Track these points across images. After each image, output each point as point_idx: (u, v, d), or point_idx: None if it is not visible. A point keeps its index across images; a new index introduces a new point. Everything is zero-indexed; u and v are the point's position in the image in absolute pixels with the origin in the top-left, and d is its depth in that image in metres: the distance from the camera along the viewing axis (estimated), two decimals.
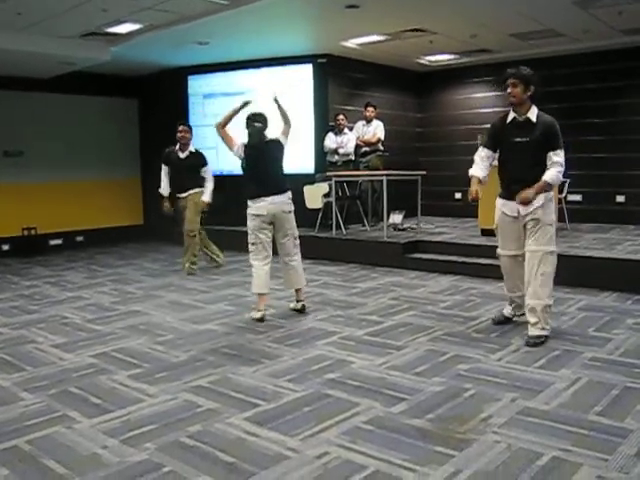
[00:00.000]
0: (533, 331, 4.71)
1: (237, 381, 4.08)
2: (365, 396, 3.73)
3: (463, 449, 3.01)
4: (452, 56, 10.78)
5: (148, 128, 12.21)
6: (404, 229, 9.49)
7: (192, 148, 8.15)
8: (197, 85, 11.44)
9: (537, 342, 4.66)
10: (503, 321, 5.22)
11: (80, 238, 11.40)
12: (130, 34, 8.61)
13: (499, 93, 10.98)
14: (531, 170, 4.64)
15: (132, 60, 10.31)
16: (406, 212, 9.73)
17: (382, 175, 8.72)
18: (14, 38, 8.16)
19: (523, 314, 4.98)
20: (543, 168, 4.63)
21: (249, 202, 5.72)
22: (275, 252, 5.82)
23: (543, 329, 4.71)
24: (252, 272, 5.74)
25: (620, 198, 10.16)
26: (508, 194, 4.81)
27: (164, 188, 8.14)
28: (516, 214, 4.76)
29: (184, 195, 8.06)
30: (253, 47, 9.63)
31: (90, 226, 11.30)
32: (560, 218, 8.91)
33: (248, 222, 5.73)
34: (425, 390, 3.82)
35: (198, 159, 8.10)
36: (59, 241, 11.20)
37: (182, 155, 8.08)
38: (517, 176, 4.72)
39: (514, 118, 4.74)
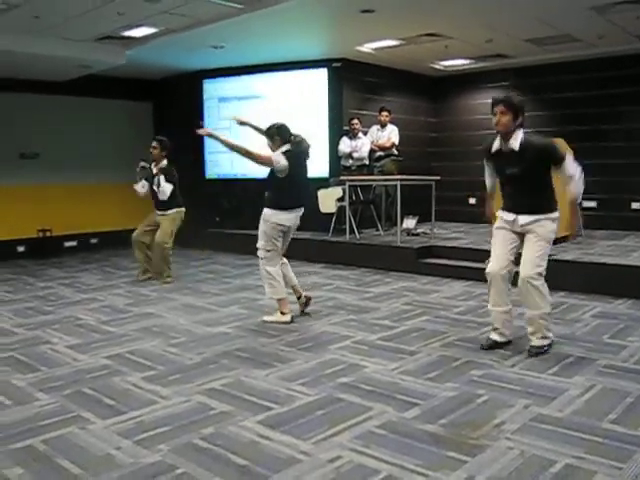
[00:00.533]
0: (534, 342, 4.64)
1: (250, 384, 4.09)
2: (378, 401, 3.73)
3: (476, 455, 3.00)
4: (467, 61, 10.77)
5: (163, 131, 12.23)
6: (417, 234, 9.47)
7: (163, 164, 7.81)
8: (212, 89, 11.49)
9: (539, 352, 4.58)
10: (494, 346, 4.79)
11: (94, 240, 11.47)
12: (146, 38, 8.66)
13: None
14: (530, 196, 4.53)
15: (147, 63, 10.37)
16: (420, 217, 9.72)
17: (396, 180, 8.72)
18: (31, 42, 8.23)
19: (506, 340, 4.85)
20: (542, 189, 4.54)
21: (277, 211, 5.60)
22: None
23: (544, 338, 4.63)
24: (268, 278, 5.67)
25: (635, 205, 10.10)
26: (509, 207, 4.68)
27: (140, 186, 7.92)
28: (513, 222, 4.63)
29: (160, 214, 7.83)
30: (268, 51, 9.67)
31: (104, 228, 11.36)
32: None
33: (267, 229, 5.62)
34: (438, 395, 3.82)
35: (165, 174, 7.73)
36: (74, 243, 11.26)
37: (154, 170, 7.82)
38: (517, 202, 4.60)
39: (499, 149, 4.59)
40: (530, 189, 4.53)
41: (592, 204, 10.19)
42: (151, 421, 3.48)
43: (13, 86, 10.18)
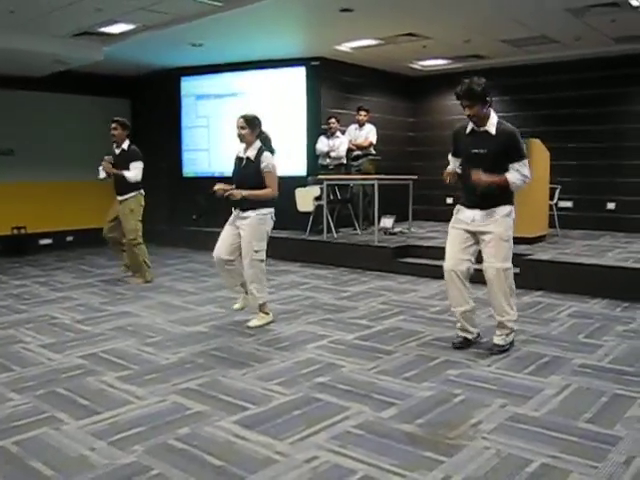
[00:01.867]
0: (499, 340, 4.69)
1: (226, 384, 4.06)
2: (355, 400, 3.73)
3: (453, 455, 3.01)
4: (445, 61, 10.82)
5: (140, 129, 12.14)
6: (395, 233, 9.49)
7: (125, 145, 7.52)
8: (190, 86, 11.44)
9: (502, 350, 4.65)
10: (465, 344, 4.83)
11: (70, 238, 11.36)
12: (123, 34, 8.60)
13: (492, 99, 11.00)
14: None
15: (125, 60, 10.28)
16: (397, 216, 9.74)
17: (373, 179, 8.73)
18: (6, 36, 8.12)
19: (476, 336, 4.92)
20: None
21: (271, 209, 5.48)
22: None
23: (508, 336, 4.71)
24: (260, 281, 5.45)
25: (611, 205, 10.21)
26: (466, 202, 4.71)
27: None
28: (469, 221, 4.63)
29: (120, 199, 7.51)
30: (247, 49, 9.63)
31: (80, 226, 11.24)
32: (551, 224, 8.97)
33: (267, 229, 5.47)
34: (415, 395, 3.82)
35: (127, 156, 7.46)
36: (49, 241, 11.15)
37: (117, 151, 7.54)
38: (474, 187, 4.55)
39: (473, 129, 4.62)
40: (490, 173, 4.47)
41: (568, 204, 10.28)
42: (126, 421, 3.45)
43: None
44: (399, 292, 6.99)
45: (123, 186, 7.45)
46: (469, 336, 4.84)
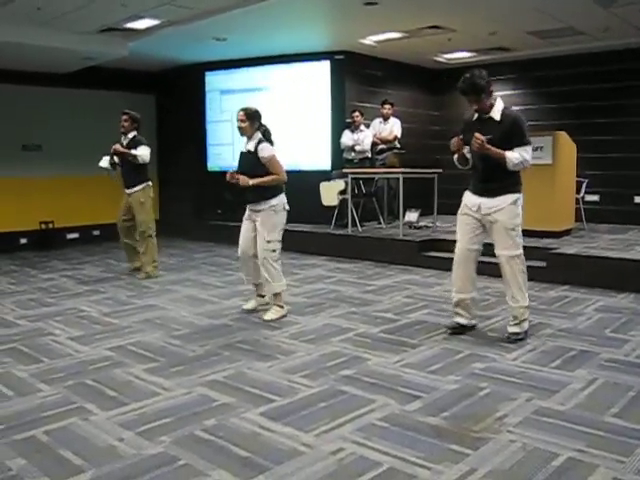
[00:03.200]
0: (514, 329, 4.76)
1: (252, 376, 4.09)
2: (380, 393, 3.73)
3: (478, 448, 3.00)
4: (470, 54, 10.73)
5: (165, 123, 12.27)
6: (420, 227, 9.47)
7: (131, 134, 7.57)
8: (215, 81, 11.49)
9: (517, 339, 4.72)
10: (459, 330, 4.97)
11: (97, 232, 11.45)
12: (148, 29, 8.65)
13: (517, 91, 10.94)
14: (495, 168, 4.56)
15: (150, 55, 10.36)
16: (422, 210, 9.71)
17: (398, 173, 8.70)
18: (33, 33, 8.22)
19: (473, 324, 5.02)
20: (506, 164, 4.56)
21: (282, 196, 5.54)
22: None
23: (522, 324, 4.76)
24: (276, 271, 5.51)
25: (638, 199, 10.07)
26: (473, 188, 4.80)
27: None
28: (475, 209, 4.72)
29: (129, 191, 7.58)
30: (271, 43, 9.64)
31: (107, 220, 11.29)
32: (577, 218, 8.89)
33: (281, 218, 5.52)
34: (440, 388, 3.82)
35: (134, 142, 7.50)
36: (76, 235, 11.27)
37: (124, 143, 7.56)
38: (482, 174, 4.67)
39: (479, 116, 4.70)
40: (496, 161, 4.53)
41: (595, 198, 10.17)
42: (153, 412, 3.49)
43: (15, 78, 10.17)
44: (424, 286, 6.98)
45: (131, 178, 7.53)
46: (467, 322, 4.97)
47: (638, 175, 9.99)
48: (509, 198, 4.60)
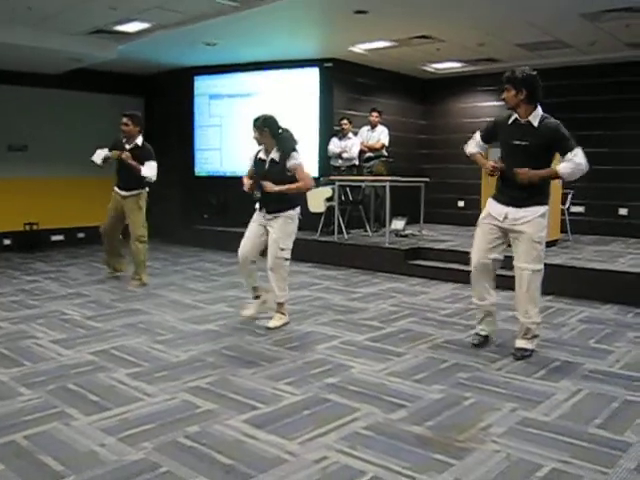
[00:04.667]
0: (523, 344, 4.65)
1: (236, 383, 4.07)
2: (365, 401, 3.72)
3: (462, 458, 3.00)
4: (459, 64, 10.79)
5: (153, 127, 12.20)
6: (406, 235, 9.47)
7: (139, 141, 7.25)
8: (204, 86, 11.47)
9: (524, 355, 4.60)
10: (484, 342, 4.90)
11: (81, 234, 11.38)
12: (138, 33, 8.63)
13: (504, 103, 10.98)
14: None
15: (139, 59, 10.33)
16: (408, 218, 9.73)
17: (385, 181, 8.72)
18: (22, 33, 8.18)
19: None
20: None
21: (298, 208, 5.54)
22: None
23: (532, 341, 4.66)
24: (285, 280, 5.48)
25: (623, 211, 10.16)
26: (500, 196, 4.66)
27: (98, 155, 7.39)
28: (501, 218, 4.59)
29: (124, 194, 7.28)
30: (260, 49, 9.64)
31: (92, 223, 11.23)
32: (562, 229, 8.93)
33: (294, 229, 5.48)
34: (425, 397, 3.81)
35: (143, 152, 7.18)
36: (60, 237, 11.19)
37: (127, 146, 7.21)
38: (512, 180, 4.51)
39: (516, 119, 4.57)
40: (530, 166, 4.43)
41: (580, 209, 10.24)
42: (136, 418, 3.46)
43: (2, 77, 10.12)
44: (410, 294, 6.98)
45: (132, 181, 7.20)
46: (487, 332, 4.88)
47: (623, 187, 10.08)
48: (538, 210, 4.49)
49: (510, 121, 4.61)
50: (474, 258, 4.77)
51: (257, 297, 5.79)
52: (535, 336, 4.68)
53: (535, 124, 4.49)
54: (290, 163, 5.38)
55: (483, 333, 4.90)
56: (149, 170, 7.13)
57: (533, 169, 4.44)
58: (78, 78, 10.64)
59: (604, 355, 4.70)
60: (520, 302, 4.62)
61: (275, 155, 5.43)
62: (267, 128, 5.42)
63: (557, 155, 4.57)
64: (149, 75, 11.95)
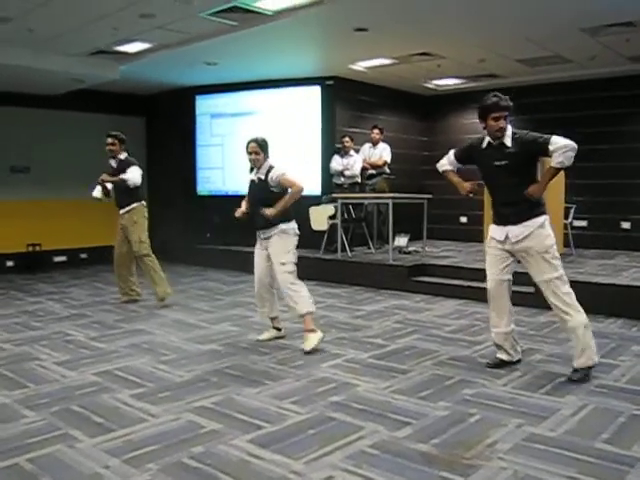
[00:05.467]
0: (580, 362, 4.43)
1: (241, 402, 4.05)
2: (370, 420, 3.70)
3: (469, 475, 2.97)
4: (459, 80, 10.84)
5: (155, 147, 12.27)
6: (409, 252, 9.47)
7: (122, 156, 7.37)
8: (205, 105, 11.51)
9: (586, 374, 4.42)
10: (500, 364, 4.76)
11: (84, 255, 11.41)
12: (139, 53, 8.69)
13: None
14: (517, 192, 4.45)
15: (140, 79, 10.39)
16: (411, 235, 9.72)
17: (388, 198, 8.72)
18: (24, 55, 8.25)
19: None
20: (528, 184, 4.46)
21: (293, 222, 5.53)
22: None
23: (591, 358, 4.43)
24: (296, 293, 5.41)
25: (626, 225, 10.15)
26: (497, 219, 4.66)
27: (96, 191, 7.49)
28: (503, 239, 4.58)
29: (121, 212, 7.37)
30: (261, 68, 9.70)
31: (94, 243, 11.30)
32: (565, 244, 8.92)
33: (293, 242, 5.48)
34: (430, 414, 3.79)
35: (124, 164, 7.29)
36: (63, 258, 11.22)
37: (114, 164, 7.37)
38: (504, 199, 4.55)
39: (489, 143, 4.59)
40: (517, 184, 4.44)
41: (583, 223, 10.24)
42: (140, 439, 3.44)
43: (4, 99, 10.18)
44: (414, 311, 6.96)
45: (124, 198, 7.30)
46: (507, 358, 4.77)
47: (625, 201, 10.08)
48: (536, 222, 4.47)
49: (484, 145, 4.65)
50: (489, 284, 4.73)
51: (276, 328, 5.79)
52: (592, 347, 4.44)
53: (509, 143, 4.50)
54: (275, 176, 5.40)
55: (501, 356, 4.79)
56: (129, 173, 7.21)
57: (518, 184, 4.45)
58: (80, 99, 10.70)
59: (609, 369, 4.67)
60: (562, 314, 4.46)
61: (261, 173, 5.49)
62: (266, 148, 5.51)
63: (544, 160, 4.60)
64: (150, 95, 12.02)
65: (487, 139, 4.62)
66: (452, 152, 4.96)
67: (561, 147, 4.34)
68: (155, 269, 7.40)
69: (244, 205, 5.72)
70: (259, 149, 5.45)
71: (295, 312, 5.51)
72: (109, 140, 7.35)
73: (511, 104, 4.51)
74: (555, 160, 4.36)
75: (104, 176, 7.29)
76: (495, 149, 4.56)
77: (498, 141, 4.53)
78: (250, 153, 5.47)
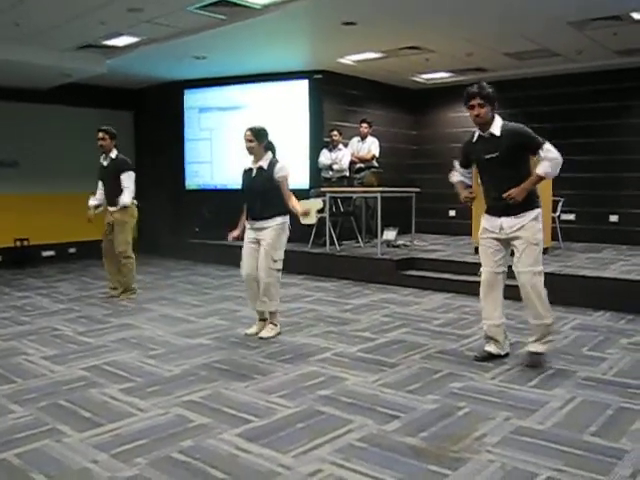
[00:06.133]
0: (536, 347, 4.62)
1: (229, 396, 4.05)
2: (358, 413, 3.70)
3: (457, 468, 2.98)
4: (447, 74, 10.85)
5: (143, 141, 12.22)
6: (398, 246, 9.48)
7: (113, 154, 7.31)
8: (193, 99, 11.47)
9: (539, 360, 4.60)
10: (487, 357, 4.78)
11: (73, 250, 11.36)
12: (127, 47, 8.65)
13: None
14: (508, 182, 4.47)
15: (128, 73, 10.34)
16: (400, 229, 9.73)
17: (376, 192, 8.72)
18: (11, 49, 8.19)
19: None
20: (521, 177, 4.49)
21: (287, 216, 5.55)
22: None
23: (546, 344, 4.64)
24: (275, 289, 5.50)
25: (613, 218, 10.20)
26: (491, 210, 4.69)
27: (92, 199, 7.52)
28: (497, 230, 4.61)
29: (111, 209, 7.34)
30: (250, 62, 9.67)
31: (83, 238, 11.22)
32: (553, 237, 8.95)
33: (285, 237, 5.53)
34: (419, 408, 3.80)
35: (117, 165, 7.28)
36: (52, 252, 11.16)
37: (105, 163, 7.37)
38: (497, 193, 4.55)
39: (480, 136, 4.63)
40: (510, 176, 4.47)
41: (571, 217, 10.28)
42: (128, 434, 3.43)
43: None
44: (402, 305, 6.97)
45: (114, 197, 7.26)
46: (496, 351, 4.78)
47: (613, 194, 10.13)
48: (530, 214, 4.51)
49: (475, 139, 4.69)
50: (483, 276, 4.76)
51: (263, 320, 5.76)
52: (550, 339, 4.66)
53: (497, 133, 4.53)
54: (280, 174, 5.45)
55: (489, 349, 4.80)
56: (125, 194, 7.21)
57: (511, 177, 4.47)
58: (68, 93, 10.64)
59: (598, 362, 4.70)
60: (530, 306, 4.59)
61: (264, 163, 5.50)
62: (263, 137, 5.52)
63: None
64: (139, 89, 11.97)
65: (477, 132, 4.66)
66: (456, 162, 4.99)
67: (552, 158, 4.43)
68: (133, 271, 7.49)
69: (238, 231, 5.72)
70: (252, 137, 5.47)
71: (265, 306, 5.58)
72: (100, 135, 7.28)
73: (484, 91, 4.50)
74: (542, 168, 4.43)
75: (89, 214, 7.43)
76: (485, 141, 4.58)
77: (487, 132, 4.55)
78: (245, 140, 5.49)
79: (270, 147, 5.59)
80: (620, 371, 4.48)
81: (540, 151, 4.43)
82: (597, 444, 3.23)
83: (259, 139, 5.49)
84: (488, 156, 4.54)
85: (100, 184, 7.53)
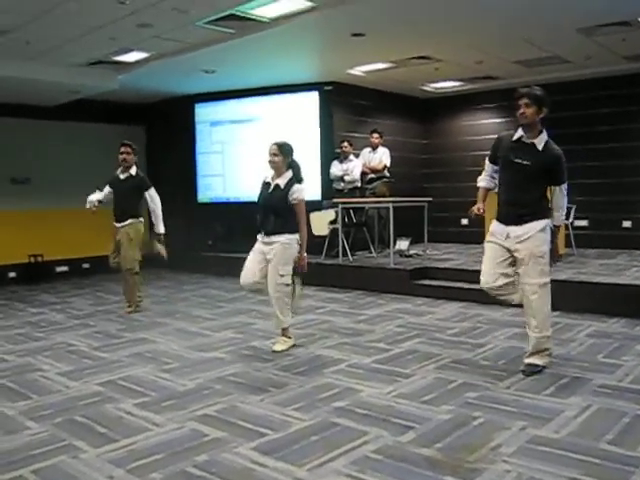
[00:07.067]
0: (534, 360, 4.63)
1: (244, 410, 4.04)
2: (373, 425, 3.69)
3: (473, 479, 2.97)
4: (457, 83, 10.86)
5: (155, 156, 12.28)
6: (410, 256, 9.46)
7: (133, 171, 7.34)
8: (204, 113, 11.53)
9: (534, 371, 4.58)
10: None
11: (86, 265, 11.41)
12: (137, 62, 8.72)
13: (503, 120, 11.03)
14: (526, 194, 4.50)
15: (139, 88, 10.41)
16: (412, 239, 9.72)
17: (388, 202, 8.73)
18: (22, 67, 8.29)
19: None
20: (539, 194, 4.53)
21: (296, 235, 5.49)
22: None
23: (541, 357, 4.64)
24: (287, 305, 5.51)
25: (627, 224, 10.15)
26: (501, 217, 4.68)
27: (96, 194, 7.55)
28: (503, 238, 4.61)
29: (118, 225, 7.35)
30: (259, 75, 9.71)
31: (96, 253, 11.26)
32: (567, 244, 8.92)
33: (292, 254, 5.46)
34: (433, 418, 3.78)
35: (138, 182, 7.32)
36: (65, 268, 11.22)
37: (122, 176, 7.39)
38: (511, 198, 4.57)
39: (520, 137, 4.58)
40: (526, 189, 4.49)
41: (584, 223, 10.24)
42: (144, 449, 3.43)
43: (3, 110, 10.20)
44: (416, 314, 6.96)
45: (125, 214, 7.30)
46: (517, 299, 4.75)
47: (626, 200, 10.08)
48: (538, 225, 4.51)
49: (515, 138, 4.62)
50: (483, 279, 4.76)
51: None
52: (546, 352, 4.66)
53: (540, 147, 4.51)
54: (296, 195, 5.40)
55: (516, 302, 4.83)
56: (158, 212, 7.38)
57: (527, 189, 4.51)
58: (79, 109, 10.73)
59: (613, 369, 4.66)
60: (530, 318, 4.59)
61: (281, 182, 5.45)
62: (288, 154, 5.50)
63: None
64: (150, 104, 12.04)
65: (520, 133, 4.60)
66: (487, 160, 4.95)
67: (563, 205, 4.68)
68: (139, 287, 7.54)
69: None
70: (278, 151, 5.45)
71: (278, 322, 5.59)
72: (123, 149, 7.28)
73: (532, 92, 4.49)
74: (558, 220, 4.67)
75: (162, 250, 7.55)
76: (524, 145, 4.55)
77: (530, 140, 4.52)
78: (269, 154, 5.48)
79: (293, 165, 5.53)
80: (636, 378, 4.44)
81: (558, 187, 4.55)
82: (614, 452, 3.20)
83: (284, 154, 5.46)
84: (518, 160, 4.52)
85: (107, 189, 7.52)
